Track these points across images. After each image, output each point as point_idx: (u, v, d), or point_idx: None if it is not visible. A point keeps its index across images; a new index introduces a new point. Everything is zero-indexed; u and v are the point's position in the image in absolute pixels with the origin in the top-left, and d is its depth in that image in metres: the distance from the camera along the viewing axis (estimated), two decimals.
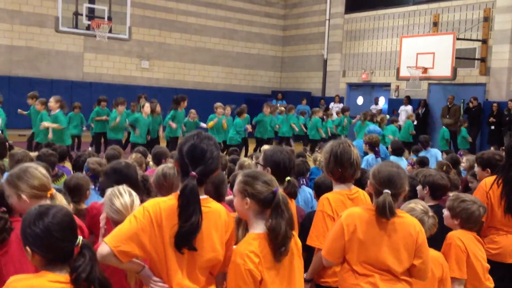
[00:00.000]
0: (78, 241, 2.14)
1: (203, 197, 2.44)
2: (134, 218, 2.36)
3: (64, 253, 2.13)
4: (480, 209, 3.49)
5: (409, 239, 2.80)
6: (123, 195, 2.85)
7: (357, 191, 3.29)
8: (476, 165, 4.78)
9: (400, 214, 2.86)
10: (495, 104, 15.01)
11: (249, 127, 13.24)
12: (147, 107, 11.37)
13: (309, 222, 3.44)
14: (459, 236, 3.41)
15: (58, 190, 3.30)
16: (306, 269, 3.19)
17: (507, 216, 3.92)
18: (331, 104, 19.05)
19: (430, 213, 3.25)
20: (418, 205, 3.29)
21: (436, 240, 3.35)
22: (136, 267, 2.43)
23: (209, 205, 2.48)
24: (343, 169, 3.19)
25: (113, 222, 2.81)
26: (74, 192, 3.89)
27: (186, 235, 2.33)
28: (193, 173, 2.39)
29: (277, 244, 2.46)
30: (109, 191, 2.89)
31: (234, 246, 2.56)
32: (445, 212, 3.58)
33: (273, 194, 2.51)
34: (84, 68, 18.39)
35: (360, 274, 2.81)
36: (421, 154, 8.65)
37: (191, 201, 2.34)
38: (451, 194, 5.14)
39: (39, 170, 2.91)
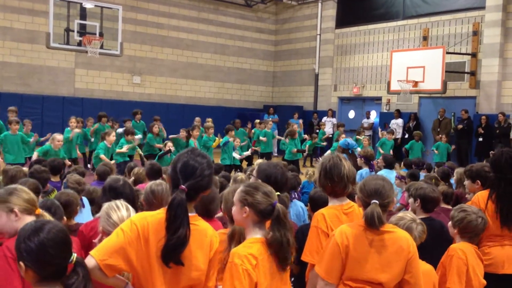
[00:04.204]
0: (72, 258, 2.11)
1: (191, 214, 2.43)
2: (121, 232, 2.33)
3: (58, 269, 2.10)
4: (479, 219, 3.51)
5: (401, 254, 2.81)
6: (120, 209, 2.89)
7: (351, 206, 3.28)
8: (465, 178, 4.79)
9: (391, 229, 2.87)
10: (483, 117, 15.13)
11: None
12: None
13: (301, 235, 3.43)
14: (462, 249, 3.43)
15: (49, 207, 3.28)
16: (301, 282, 3.18)
17: (504, 227, 3.91)
18: (324, 118, 19.16)
19: (418, 220, 3.28)
20: (406, 213, 3.34)
21: (427, 252, 3.34)
22: (119, 283, 2.40)
23: (196, 223, 2.46)
24: (333, 184, 3.18)
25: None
26: (65, 208, 3.87)
27: (174, 248, 2.30)
28: (183, 186, 2.39)
29: (283, 253, 2.50)
30: (106, 205, 2.92)
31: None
32: (450, 222, 3.64)
33: (272, 206, 2.54)
34: (76, 84, 18.37)
35: (353, 287, 2.82)
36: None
37: (179, 214, 2.32)
38: (443, 205, 5.18)
39: (26, 189, 2.95)
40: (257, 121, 15.72)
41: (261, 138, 14.20)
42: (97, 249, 2.30)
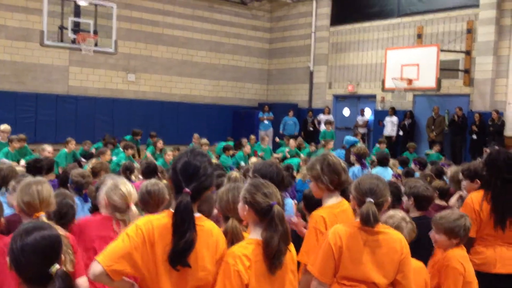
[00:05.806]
0: (51, 269, 2.08)
1: (196, 215, 2.42)
2: (127, 237, 2.34)
3: (35, 277, 2.08)
4: (468, 219, 3.49)
5: (394, 255, 2.84)
6: (127, 184, 3.13)
7: (344, 203, 3.32)
8: (463, 178, 4.76)
9: (385, 230, 2.89)
10: (477, 114, 15.19)
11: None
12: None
13: (294, 234, 3.42)
14: (457, 258, 3.38)
15: (62, 206, 3.26)
16: None
17: (497, 227, 3.91)
18: (320, 116, 19.13)
19: (408, 219, 3.30)
20: (396, 211, 3.36)
21: (420, 250, 3.35)
22: (126, 285, 2.41)
23: (202, 223, 2.46)
24: (339, 176, 3.25)
25: (113, 207, 2.98)
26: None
27: (181, 252, 2.31)
28: (187, 189, 2.37)
29: (269, 256, 2.48)
30: (115, 178, 3.12)
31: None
32: (438, 236, 3.45)
33: (270, 207, 2.52)
34: (70, 81, 18.28)
35: (347, 285, 2.84)
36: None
37: (185, 218, 2.33)
38: (437, 202, 5.19)
39: (40, 190, 2.87)
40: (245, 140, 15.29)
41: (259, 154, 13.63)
42: (103, 255, 2.31)
